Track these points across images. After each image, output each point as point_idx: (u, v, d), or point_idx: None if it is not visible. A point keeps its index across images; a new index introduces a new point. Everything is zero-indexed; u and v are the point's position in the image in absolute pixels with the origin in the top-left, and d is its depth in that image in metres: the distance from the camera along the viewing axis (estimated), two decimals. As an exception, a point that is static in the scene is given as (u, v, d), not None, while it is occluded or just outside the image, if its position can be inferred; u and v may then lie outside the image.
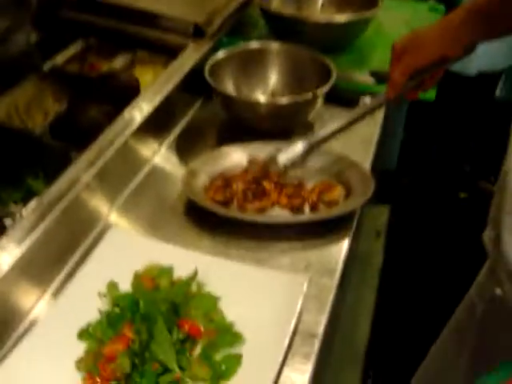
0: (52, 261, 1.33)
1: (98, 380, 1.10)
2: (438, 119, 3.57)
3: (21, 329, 1.18)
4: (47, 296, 1.31)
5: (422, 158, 3.71)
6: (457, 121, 3.64)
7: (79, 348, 1.17)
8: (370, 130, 1.78)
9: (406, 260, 3.17)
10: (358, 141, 1.74)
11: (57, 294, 1.29)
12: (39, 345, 1.16)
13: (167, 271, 1.29)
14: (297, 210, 1.46)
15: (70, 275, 1.32)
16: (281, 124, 1.73)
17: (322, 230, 1.44)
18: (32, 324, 1.22)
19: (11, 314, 1.22)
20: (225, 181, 1.52)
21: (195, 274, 1.24)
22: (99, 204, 1.48)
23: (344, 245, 1.41)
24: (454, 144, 3.68)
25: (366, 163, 1.64)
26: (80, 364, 1.13)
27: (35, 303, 1.28)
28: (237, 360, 1.12)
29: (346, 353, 2.53)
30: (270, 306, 1.22)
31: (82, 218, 1.44)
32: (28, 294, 1.27)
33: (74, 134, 1.62)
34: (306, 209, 1.48)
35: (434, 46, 1.43)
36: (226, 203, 1.47)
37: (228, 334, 1.17)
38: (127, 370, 1.06)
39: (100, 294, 1.24)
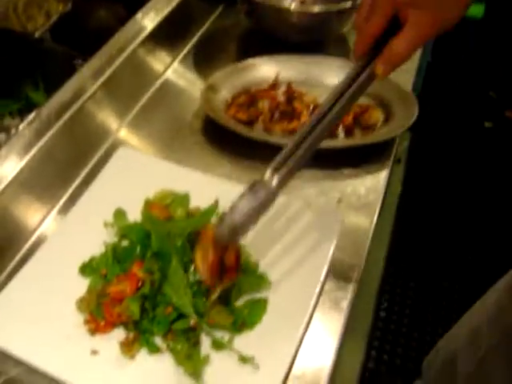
0: (57, 177, 1.20)
1: (102, 323, 0.92)
2: (464, 44, 3.28)
3: (27, 246, 1.11)
4: (54, 213, 1.18)
5: (447, 84, 3.45)
6: (484, 46, 3.36)
7: (81, 284, 1.00)
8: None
9: (425, 190, 2.96)
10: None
11: (64, 211, 1.17)
12: (37, 278, 1.03)
13: (183, 199, 1.09)
14: (330, 134, 1.23)
15: (78, 193, 1.18)
16: (311, 36, 1.51)
17: (358, 158, 1.27)
18: (39, 242, 1.11)
19: (17, 230, 1.11)
20: (249, 97, 1.32)
21: (216, 203, 1.04)
22: (107, 118, 1.31)
23: (382, 176, 1.22)
24: (480, 70, 3.40)
25: (408, 85, 1.40)
26: (81, 304, 0.97)
27: (42, 221, 1.16)
28: (262, 306, 0.96)
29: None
30: (300, 244, 1.03)
31: (87, 132, 1.29)
32: (33, 211, 1.15)
33: (79, 38, 1.44)
34: (341, 133, 1.26)
35: None
36: (249, 123, 1.29)
37: (252, 276, 0.98)
38: (136, 315, 0.89)
39: (106, 224, 1.04)
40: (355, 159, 1.25)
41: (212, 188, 1.13)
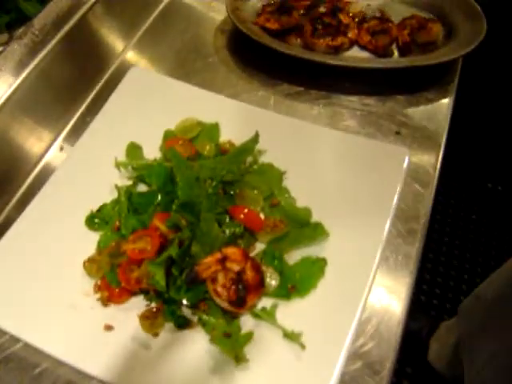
0: (57, 102, 0.99)
1: (116, 291, 0.69)
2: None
3: (32, 177, 0.93)
4: (59, 141, 0.98)
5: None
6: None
7: (89, 239, 0.78)
8: None
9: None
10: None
11: (69, 140, 0.97)
12: (34, 232, 0.81)
13: (211, 130, 0.86)
14: (382, 52, 0.99)
15: (83, 121, 0.98)
16: None
17: (416, 82, 1.02)
18: (44, 173, 0.92)
19: (18, 160, 0.92)
20: (284, 4, 1.02)
21: (256, 136, 0.79)
22: (113, 32, 1.03)
23: (445, 103, 0.96)
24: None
25: None
26: (90, 265, 0.73)
27: (45, 150, 0.97)
28: (319, 267, 0.71)
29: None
30: (357, 188, 0.80)
31: (89, 51, 1.05)
32: (34, 139, 0.95)
33: None
34: (395, 52, 0.98)
35: None
36: (282, 33, 1.02)
37: (305, 227, 0.74)
38: (161, 284, 0.65)
39: (117, 163, 0.79)
40: (413, 83, 1.02)
41: (244, 116, 0.89)
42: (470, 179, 2.38)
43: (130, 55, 1.07)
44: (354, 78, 0.99)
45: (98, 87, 1.02)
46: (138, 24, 1.14)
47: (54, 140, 0.95)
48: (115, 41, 1.10)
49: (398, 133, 0.93)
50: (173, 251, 0.69)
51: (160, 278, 0.68)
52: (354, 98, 0.98)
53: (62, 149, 0.93)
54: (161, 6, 1.17)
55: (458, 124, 1.07)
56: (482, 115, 2.56)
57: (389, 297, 0.76)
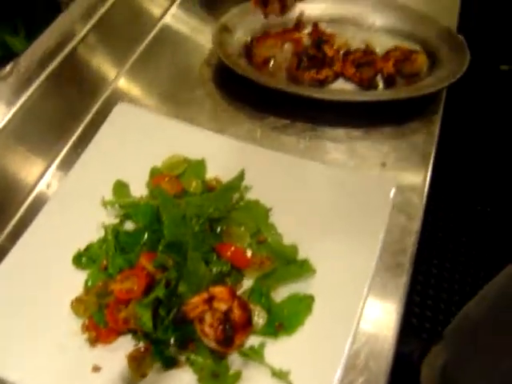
0: (48, 134, 0.99)
1: (104, 331, 0.69)
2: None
3: (28, 201, 0.94)
4: (53, 168, 0.98)
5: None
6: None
7: (77, 278, 0.78)
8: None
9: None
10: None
11: (63, 166, 0.97)
12: (20, 272, 0.82)
13: (198, 167, 0.87)
14: (367, 84, 1.00)
15: (74, 151, 0.98)
16: None
17: (401, 113, 1.03)
18: (38, 200, 0.93)
19: (14, 185, 0.93)
20: (270, 39, 1.04)
21: (242, 173, 0.80)
22: (102, 65, 1.08)
23: (431, 133, 0.98)
24: (500, 12, 3.08)
25: (452, 23, 1.14)
26: (78, 305, 0.74)
27: (41, 175, 0.97)
28: (306, 304, 0.72)
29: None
30: (344, 223, 0.80)
31: (80, 82, 1.07)
32: (30, 165, 0.96)
33: None
34: (380, 83, 1.00)
35: None
36: (272, 72, 1.00)
37: (291, 263, 0.74)
38: (148, 326, 0.65)
39: (104, 201, 0.80)
40: (398, 114, 1.02)
41: (230, 152, 0.90)
42: (459, 202, 2.40)
43: (119, 87, 1.08)
44: (339, 110, 1.00)
45: (88, 118, 1.02)
46: (127, 55, 1.15)
47: (44, 172, 0.96)
48: (104, 73, 1.11)
49: (383, 164, 0.94)
50: (159, 292, 0.69)
51: (147, 319, 0.68)
52: (340, 131, 0.99)
53: (48, 186, 0.93)
54: (149, 38, 1.18)
55: (445, 149, 1.09)
56: (469, 140, 2.59)
57: (378, 330, 0.77)
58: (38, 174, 0.95)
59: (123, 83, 1.09)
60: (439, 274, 2.17)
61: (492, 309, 1.36)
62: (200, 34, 1.19)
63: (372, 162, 0.94)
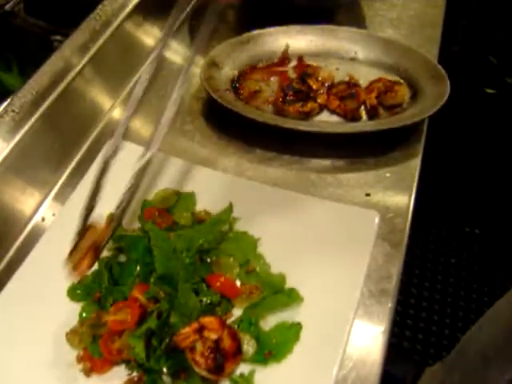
0: (48, 163, 1.03)
1: (99, 362, 0.72)
2: (462, 7, 3.02)
3: (24, 234, 0.96)
4: (49, 200, 1.01)
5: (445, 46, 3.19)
6: (484, 9, 3.10)
7: (72, 310, 0.82)
8: (432, 11, 1.31)
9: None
10: (418, 25, 1.27)
11: (59, 198, 1.00)
12: (16, 305, 0.85)
13: (188, 200, 0.90)
14: (351, 116, 1.04)
15: (72, 178, 1.02)
16: (320, 2, 1.25)
17: (385, 143, 1.07)
18: (34, 231, 0.95)
19: (11, 217, 0.95)
20: (256, 73, 1.08)
21: (230, 207, 0.84)
22: (96, 99, 1.08)
23: (413, 164, 1.01)
24: (480, 34, 3.16)
25: (433, 54, 1.18)
26: (73, 337, 0.76)
27: (37, 207, 1.00)
28: (294, 332, 0.75)
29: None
30: (330, 252, 0.84)
31: (76, 115, 1.10)
32: (27, 197, 0.99)
33: (57, 10, 1.18)
34: (363, 115, 1.04)
35: None
36: (259, 105, 1.05)
37: (279, 292, 0.78)
38: (141, 356, 0.67)
39: None
40: (381, 144, 1.05)
41: (219, 185, 0.93)
42: (448, 224, 2.44)
43: (113, 120, 1.11)
44: (324, 141, 1.04)
45: (83, 150, 1.06)
46: (120, 89, 1.18)
47: (40, 205, 0.99)
48: (98, 106, 1.14)
49: (367, 195, 0.98)
50: (152, 323, 0.72)
51: (140, 350, 0.71)
52: (325, 162, 1.03)
53: (44, 219, 0.96)
54: (145, 66, 1.21)
55: (432, 172, 1.12)
56: (456, 162, 2.64)
57: (365, 355, 0.80)
58: (34, 207, 0.98)
59: (115, 118, 1.12)
60: (430, 296, 2.20)
61: (487, 347, 1.39)
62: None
63: (357, 192, 0.98)
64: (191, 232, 0.84)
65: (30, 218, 0.97)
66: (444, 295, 2.24)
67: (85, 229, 0.78)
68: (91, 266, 0.76)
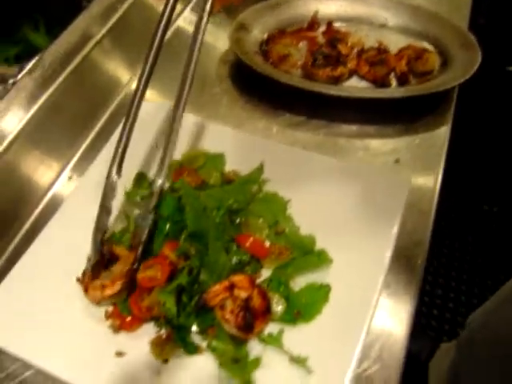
0: (66, 134, 1.01)
1: (128, 319, 0.71)
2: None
3: (40, 208, 0.94)
4: (66, 173, 1.00)
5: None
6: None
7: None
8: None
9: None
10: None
11: (77, 170, 0.99)
12: (45, 260, 0.84)
13: (217, 160, 0.88)
14: (381, 82, 1.02)
15: (91, 151, 1.00)
16: None
17: (414, 110, 1.05)
18: (52, 205, 0.93)
19: (27, 192, 0.94)
20: (286, 38, 1.06)
21: (261, 166, 0.82)
22: (116, 68, 1.07)
23: (442, 131, 0.98)
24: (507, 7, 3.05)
25: (463, 22, 1.15)
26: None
27: (54, 181, 0.98)
28: (323, 293, 0.73)
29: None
30: (359, 216, 0.83)
31: (96, 82, 1.08)
32: (43, 171, 0.97)
33: None
34: (393, 81, 1.01)
35: None
36: (288, 69, 1.02)
37: (309, 253, 0.77)
38: (172, 312, 0.66)
39: (126, 192, 0.82)
40: (411, 111, 1.04)
41: (248, 147, 0.91)
42: (466, 201, 2.41)
43: (135, 86, 1.09)
44: (354, 107, 1.02)
45: (104, 118, 1.04)
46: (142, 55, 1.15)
47: (63, 169, 0.97)
48: (122, 71, 1.12)
49: (396, 161, 0.96)
50: (182, 280, 0.71)
51: (171, 305, 0.70)
52: (354, 127, 1.01)
53: (70, 178, 0.95)
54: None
55: (454, 149, 1.10)
56: (476, 140, 2.59)
57: (391, 321, 0.78)
58: (57, 172, 0.98)
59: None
60: (447, 273, 2.18)
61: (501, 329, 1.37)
62: (212, 35, 1.20)
63: (385, 159, 0.96)
64: (220, 192, 0.83)
65: (48, 189, 0.96)
66: (460, 272, 2.22)
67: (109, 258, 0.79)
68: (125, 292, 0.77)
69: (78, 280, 0.77)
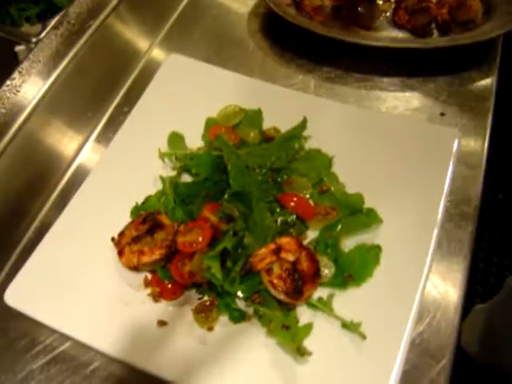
0: (95, 92, 0.94)
1: (169, 286, 0.65)
2: None
3: (66, 179, 0.89)
4: (91, 142, 0.93)
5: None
6: None
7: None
8: None
9: None
10: None
11: (102, 140, 0.92)
12: (78, 226, 0.77)
13: (254, 117, 0.80)
14: (422, 31, 0.94)
15: (119, 111, 0.94)
16: None
17: (457, 61, 0.97)
18: (78, 174, 0.88)
19: (52, 161, 0.88)
20: None
21: (304, 121, 0.75)
22: (143, 24, 1.06)
23: (488, 82, 0.90)
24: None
25: None
26: None
27: (78, 150, 0.92)
28: (374, 255, 0.66)
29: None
30: (407, 172, 0.76)
31: (122, 40, 1.02)
32: (67, 139, 0.91)
33: None
34: (434, 31, 0.93)
35: None
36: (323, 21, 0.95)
37: (357, 214, 0.70)
38: (218, 276, 0.60)
39: (161, 153, 0.75)
40: (453, 62, 0.96)
41: (287, 102, 0.84)
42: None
43: (163, 44, 1.02)
44: (394, 59, 0.94)
45: (132, 77, 0.98)
46: (170, 13, 1.09)
47: (91, 133, 0.92)
48: (148, 30, 1.06)
49: (442, 114, 0.89)
50: (228, 243, 0.65)
51: (216, 270, 0.64)
52: (395, 80, 0.94)
53: (99, 141, 0.89)
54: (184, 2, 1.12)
55: (501, 103, 1.02)
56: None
57: (444, 283, 0.73)
58: (85, 136, 0.93)
59: (167, 41, 1.04)
60: (490, 236, 2.09)
61: None
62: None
63: (431, 112, 0.89)
64: (262, 149, 0.77)
65: (80, 149, 0.92)
66: (492, 234, 2.14)
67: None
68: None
69: (112, 240, 0.70)
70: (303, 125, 0.78)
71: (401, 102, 0.91)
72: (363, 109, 0.86)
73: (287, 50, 0.99)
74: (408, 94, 0.92)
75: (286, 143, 0.77)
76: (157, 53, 1.02)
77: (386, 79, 0.94)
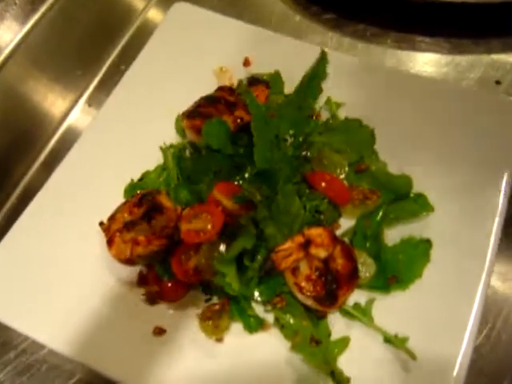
0: (77, 57, 0.82)
1: (169, 285, 0.50)
2: None
3: (55, 139, 0.79)
4: (81, 103, 0.82)
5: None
6: None
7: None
8: None
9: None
10: None
11: (93, 102, 0.81)
12: (60, 207, 0.63)
13: (275, 80, 0.63)
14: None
15: (105, 82, 0.82)
16: None
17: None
18: (67, 136, 0.78)
19: (41, 117, 0.78)
20: None
21: (324, 55, 0.64)
22: None
23: None
24: None
25: None
26: None
27: (70, 109, 0.81)
28: (423, 251, 0.52)
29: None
30: (463, 150, 0.63)
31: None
32: (54, 96, 0.79)
33: None
34: None
35: None
36: None
37: (403, 200, 0.58)
38: (234, 286, 0.46)
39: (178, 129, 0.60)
40: (507, 23, 0.81)
41: (306, 58, 0.67)
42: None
43: (152, 13, 0.87)
44: (441, 16, 0.78)
45: (123, 43, 0.83)
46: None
47: (82, 94, 0.77)
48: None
49: (498, 82, 0.73)
50: (248, 242, 0.49)
51: (232, 278, 0.48)
52: (442, 42, 0.79)
53: (90, 105, 0.73)
54: None
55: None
56: None
57: (504, 287, 0.59)
58: (65, 108, 0.80)
59: (152, 15, 0.89)
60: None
61: None
62: None
63: (485, 79, 0.74)
64: (286, 100, 0.60)
65: (63, 119, 0.81)
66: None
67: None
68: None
69: (100, 225, 0.55)
70: (324, 59, 0.61)
71: (448, 66, 0.75)
72: (405, 72, 0.70)
73: (313, 4, 0.82)
74: (455, 57, 0.77)
75: (310, 85, 0.61)
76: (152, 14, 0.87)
77: (428, 40, 0.78)
